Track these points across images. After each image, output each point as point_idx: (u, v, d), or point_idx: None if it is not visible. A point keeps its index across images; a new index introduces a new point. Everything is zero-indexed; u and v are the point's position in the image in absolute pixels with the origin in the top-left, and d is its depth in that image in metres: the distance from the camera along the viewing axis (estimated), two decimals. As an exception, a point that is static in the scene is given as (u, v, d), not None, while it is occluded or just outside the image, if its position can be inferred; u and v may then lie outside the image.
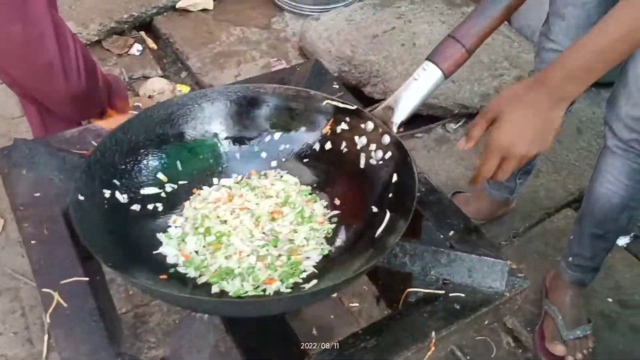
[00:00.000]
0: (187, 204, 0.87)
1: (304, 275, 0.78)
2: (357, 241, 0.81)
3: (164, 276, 0.76)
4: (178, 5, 2.49)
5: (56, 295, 0.73)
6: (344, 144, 0.89)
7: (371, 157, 0.86)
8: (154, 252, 0.80)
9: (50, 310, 0.72)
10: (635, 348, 1.53)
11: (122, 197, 0.81)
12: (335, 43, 2.20)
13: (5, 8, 1.18)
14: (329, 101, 0.89)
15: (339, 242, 0.84)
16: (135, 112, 0.99)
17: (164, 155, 0.87)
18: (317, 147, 0.91)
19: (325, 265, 0.80)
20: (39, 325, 1.51)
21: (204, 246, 0.81)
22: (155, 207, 0.85)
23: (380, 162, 0.85)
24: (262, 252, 0.80)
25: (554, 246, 1.75)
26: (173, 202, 0.87)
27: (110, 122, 0.98)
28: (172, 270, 0.78)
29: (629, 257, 1.75)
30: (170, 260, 0.80)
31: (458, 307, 0.77)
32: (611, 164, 1.31)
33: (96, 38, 2.36)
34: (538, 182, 1.93)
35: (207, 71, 2.25)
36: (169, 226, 0.85)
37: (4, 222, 1.76)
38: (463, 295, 0.78)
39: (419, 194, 0.90)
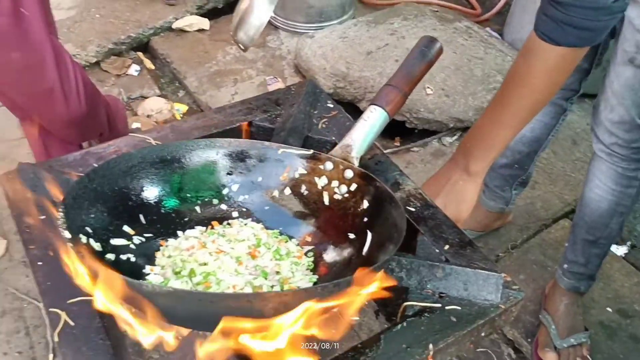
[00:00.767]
0: (158, 254, 0.85)
1: None
2: (346, 265, 0.83)
3: None
4: (174, 26, 2.53)
5: (64, 315, 0.75)
6: (303, 187, 0.92)
7: (335, 193, 0.89)
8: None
9: (58, 330, 0.73)
10: (635, 357, 1.54)
11: (96, 245, 0.78)
12: (329, 60, 2.23)
13: (6, 35, 1.20)
14: (284, 149, 0.93)
15: (324, 270, 0.85)
16: (135, 135, 1.02)
17: (126, 208, 0.85)
18: (276, 193, 0.93)
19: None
20: (43, 344, 1.52)
21: (191, 288, 0.77)
22: (129, 258, 0.82)
23: (346, 195, 0.88)
24: (256, 282, 0.79)
25: (552, 257, 1.77)
26: (144, 253, 0.84)
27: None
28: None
29: (627, 267, 1.77)
30: None
31: (454, 319, 0.79)
32: (598, 169, 1.35)
33: (94, 59, 2.39)
34: (535, 194, 1.96)
35: (204, 90, 2.28)
36: (147, 274, 0.81)
37: (7, 242, 1.78)
38: (459, 308, 0.80)
39: (412, 209, 0.93)
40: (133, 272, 0.80)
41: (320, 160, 0.91)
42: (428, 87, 2.12)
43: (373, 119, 0.93)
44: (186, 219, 0.91)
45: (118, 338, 0.76)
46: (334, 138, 1.03)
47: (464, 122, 2.08)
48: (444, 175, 1.05)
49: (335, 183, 0.90)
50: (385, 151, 2.05)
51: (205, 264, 0.81)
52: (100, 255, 0.78)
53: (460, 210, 1.03)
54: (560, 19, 0.86)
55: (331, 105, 1.11)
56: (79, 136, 1.50)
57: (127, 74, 2.41)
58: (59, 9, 2.56)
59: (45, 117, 1.41)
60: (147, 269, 0.82)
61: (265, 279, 0.80)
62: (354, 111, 2.18)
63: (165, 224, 0.89)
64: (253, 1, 0.96)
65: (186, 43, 2.50)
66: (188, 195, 0.92)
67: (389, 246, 0.76)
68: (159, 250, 0.86)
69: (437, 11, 2.52)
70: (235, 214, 0.93)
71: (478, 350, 1.57)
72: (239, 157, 0.93)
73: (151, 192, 0.89)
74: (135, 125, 2.10)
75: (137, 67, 2.43)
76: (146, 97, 2.30)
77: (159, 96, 2.31)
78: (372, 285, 0.69)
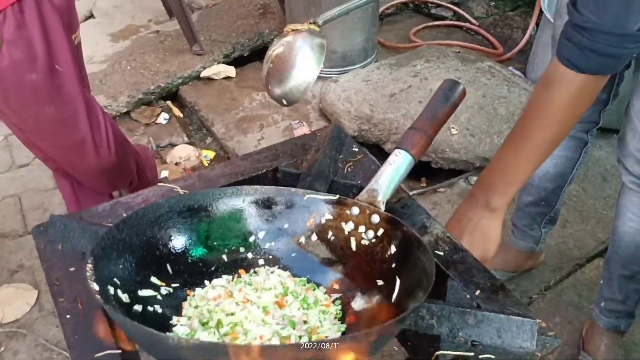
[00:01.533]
0: (185, 304, 0.85)
1: None
2: (375, 312, 0.81)
3: None
4: (202, 75, 2.60)
5: (90, 369, 0.75)
6: (330, 232, 0.91)
7: (362, 239, 0.88)
8: None
9: (84, 385, 0.73)
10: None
11: (123, 297, 0.78)
12: (354, 103, 2.26)
13: (41, 90, 1.25)
14: (309, 195, 0.92)
15: (353, 318, 0.83)
16: (161, 184, 1.04)
17: (154, 259, 0.85)
18: (302, 240, 0.92)
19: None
20: (71, 396, 1.52)
21: (219, 339, 0.77)
22: (155, 310, 0.81)
23: (374, 240, 0.87)
24: (283, 333, 0.78)
25: (588, 297, 1.71)
26: (171, 304, 0.84)
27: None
28: None
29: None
30: None
31: (489, 369, 0.76)
32: (630, 201, 1.31)
33: (125, 109, 2.47)
34: (566, 233, 1.91)
35: (231, 136, 2.32)
36: (174, 325, 0.80)
37: (38, 293, 1.80)
38: (493, 357, 0.77)
39: (441, 252, 0.91)
40: (160, 323, 0.80)
41: (346, 206, 0.91)
42: (453, 127, 2.12)
43: (398, 163, 0.92)
44: (213, 268, 0.90)
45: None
46: (359, 182, 1.03)
47: (489, 161, 2.06)
48: (464, 214, 1.03)
49: (362, 228, 0.89)
50: (411, 192, 2.05)
51: (232, 314, 0.80)
52: (127, 307, 0.78)
53: (487, 249, 1.00)
54: (585, 45, 0.86)
55: (356, 150, 1.11)
56: (109, 186, 1.53)
57: (156, 123, 2.48)
58: (92, 63, 2.67)
59: (77, 168, 1.45)
60: (174, 319, 0.81)
61: (294, 328, 0.79)
62: (379, 153, 2.18)
63: (192, 273, 0.89)
64: (296, 58, 0.97)
65: (213, 91, 2.57)
66: (215, 243, 0.92)
67: (418, 293, 0.74)
68: (185, 300, 0.86)
69: (459, 52, 2.54)
70: (261, 261, 0.92)
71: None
72: (265, 204, 0.93)
73: (178, 242, 0.89)
74: (164, 173, 2.14)
75: (166, 116, 2.50)
76: (175, 145, 2.35)
77: (187, 143, 2.36)
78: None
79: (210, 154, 2.30)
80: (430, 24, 2.94)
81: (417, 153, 0.93)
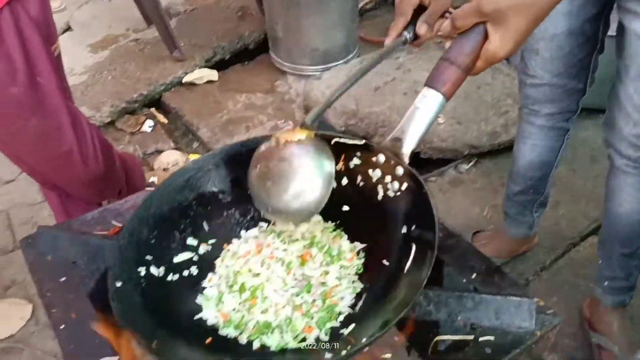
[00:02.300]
0: (218, 261, 0.90)
1: (341, 318, 0.79)
2: (388, 279, 0.81)
3: (208, 339, 0.78)
4: (184, 80, 2.58)
5: (88, 378, 0.74)
6: (359, 177, 0.89)
7: (388, 189, 0.85)
8: (195, 318, 0.82)
9: (83, 395, 0.72)
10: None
11: (157, 271, 0.83)
12: (338, 99, 2.25)
13: (23, 104, 1.24)
14: (337, 139, 0.90)
15: (368, 278, 0.84)
16: (151, 188, 1.03)
17: (189, 220, 0.90)
18: (333, 184, 0.89)
19: (361, 306, 0.80)
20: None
21: (240, 304, 0.83)
22: (190, 273, 0.87)
23: (398, 194, 0.84)
24: (297, 300, 0.81)
25: (584, 275, 1.72)
26: (206, 263, 0.89)
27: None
28: (213, 334, 0.80)
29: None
30: (210, 322, 0.82)
31: (489, 351, 0.76)
32: (624, 182, 1.31)
33: (109, 119, 2.45)
34: (558, 213, 1.92)
35: (217, 139, 2.31)
36: (205, 287, 0.87)
37: (32, 306, 1.78)
38: (492, 338, 0.77)
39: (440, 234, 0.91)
40: (193, 286, 0.86)
41: (372, 152, 0.86)
42: (439, 117, 2.12)
43: (426, 105, 0.80)
44: (249, 217, 0.94)
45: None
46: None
47: (478, 148, 2.07)
48: (533, 12, 0.74)
49: (388, 178, 0.85)
50: (402, 184, 2.05)
51: (257, 275, 0.85)
52: (161, 280, 0.83)
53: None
54: None
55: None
56: (99, 195, 1.52)
57: (141, 131, 2.46)
58: (73, 75, 2.65)
59: (64, 180, 1.43)
60: (206, 281, 0.87)
61: (309, 292, 0.82)
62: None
63: (228, 226, 0.93)
64: (306, 179, 0.85)
65: (197, 95, 2.55)
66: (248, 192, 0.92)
67: (423, 272, 0.73)
68: (219, 257, 0.90)
69: (440, 42, 2.55)
70: None
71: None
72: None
73: (212, 196, 0.92)
74: (152, 179, 2.13)
75: (151, 123, 2.48)
76: (161, 151, 2.33)
77: (173, 149, 2.35)
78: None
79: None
80: (410, 16, 2.93)
81: (448, 91, 0.80)
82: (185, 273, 0.87)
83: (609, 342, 1.48)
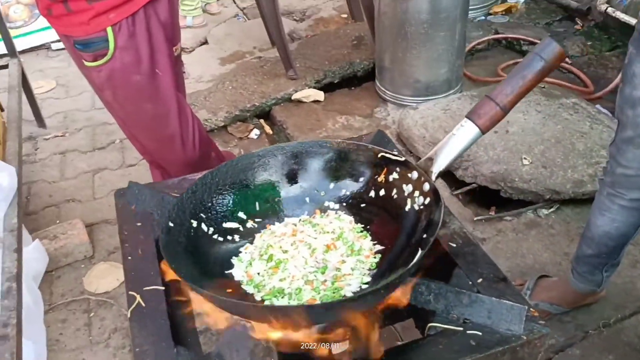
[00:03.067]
0: (258, 235, 1.03)
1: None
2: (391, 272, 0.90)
3: (229, 290, 0.92)
4: (294, 97, 2.82)
5: (138, 297, 0.92)
6: (394, 190, 1.01)
7: (415, 202, 0.96)
8: (226, 272, 0.97)
9: (132, 308, 0.90)
10: None
11: (206, 228, 0.99)
12: (429, 129, 2.35)
13: (143, 90, 1.50)
14: (383, 154, 1.03)
15: (378, 274, 0.93)
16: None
17: (244, 197, 1.05)
18: (372, 194, 1.05)
19: (360, 293, 0.90)
20: None
21: (264, 270, 0.96)
22: (233, 239, 1.02)
23: (421, 207, 0.94)
24: (310, 277, 0.93)
25: (649, 339, 1.64)
26: (248, 234, 1.03)
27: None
28: (235, 287, 0.94)
29: None
30: (237, 278, 0.96)
31: (474, 343, 0.82)
32: None
33: (222, 124, 2.74)
34: (635, 273, 1.84)
35: (312, 153, 2.49)
36: (240, 252, 1.00)
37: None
38: (480, 333, 0.84)
39: (454, 245, 0.99)
40: (231, 249, 1.00)
41: (409, 169, 0.98)
42: (525, 158, 2.13)
43: (462, 134, 0.91)
44: (295, 208, 1.08)
45: (178, 321, 0.90)
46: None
47: (560, 194, 2.05)
48: None
49: (417, 193, 0.96)
50: (476, 218, 2.09)
51: (286, 252, 0.98)
52: (208, 236, 0.99)
53: None
54: None
55: (396, 152, 1.22)
56: (193, 178, 1.75)
57: (248, 137, 2.72)
58: (200, 82, 3.00)
59: (166, 159, 1.68)
60: (245, 246, 1.01)
61: (323, 273, 0.93)
62: (452, 180, 2.24)
63: (276, 211, 1.08)
64: None
65: (302, 112, 2.77)
66: (301, 187, 1.08)
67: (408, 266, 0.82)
68: (260, 232, 1.04)
69: (544, 87, 2.55)
70: (336, 205, 1.08)
71: None
72: (344, 158, 1.07)
73: (268, 182, 1.07)
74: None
75: (257, 132, 2.74)
76: (261, 157, 2.56)
77: (272, 157, 2.57)
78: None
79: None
80: (520, 60, 2.95)
81: (484, 124, 0.89)
82: (229, 237, 1.02)
83: None
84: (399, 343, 0.86)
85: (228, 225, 1.03)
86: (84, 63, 1.46)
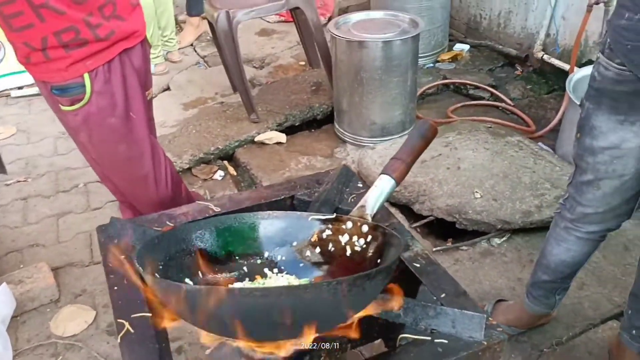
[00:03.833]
0: None
1: None
2: None
3: None
4: (256, 139, 2.92)
5: (127, 324, 0.97)
6: (330, 244, 1.10)
7: (355, 245, 1.07)
8: None
9: (121, 335, 0.95)
10: None
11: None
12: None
13: (117, 132, 1.57)
14: (313, 217, 1.13)
15: None
16: (199, 202, 1.28)
17: (186, 265, 1.04)
18: (308, 253, 1.12)
19: None
20: (112, 400, 1.72)
21: None
22: None
23: (364, 246, 1.05)
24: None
25: (598, 355, 1.77)
26: None
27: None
28: None
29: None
30: None
31: (441, 350, 0.91)
32: None
33: (187, 166, 2.81)
34: (582, 294, 1.99)
35: (276, 192, 2.58)
36: None
37: (96, 313, 2.05)
38: (446, 341, 0.93)
39: (418, 265, 1.09)
40: None
41: (342, 221, 1.10)
42: (477, 192, 2.28)
43: (382, 185, 1.11)
44: (234, 273, 1.11)
45: (165, 345, 0.96)
46: (360, 210, 1.23)
47: (510, 224, 2.20)
48: None
49: (355, 238, 1.07)
50: (435, 249, 2.21)
51: None
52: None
53: None
54: None
55: (360, 185, 1.33)
56: (164, 217, 1.80)
57: (212, 179, 2.79)
58: (164, 127, 3.07)
59: (139, 200, 1.74)
60: None
61: None
62: (410, 213, 2.37)
63: (218, 278, 1.09)
64: None
65: (265, 153, 2.87)
66: (236, 257, 1.12)
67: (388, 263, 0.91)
68: None
69: (490, 127, 2.75)
70: (275, 270, 1.13)
71: None
72: (277, 225, 1.14)
73: (206, 252, 1.09)
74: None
75: (222, 173, 2.81)
76: (226, 198, 2.63)
77: (237, 197, 2.64)
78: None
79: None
80: (468, 103, 3.17)
81: (397, 177, 1.12)
82: None
83: None
84: (375, 354, 0.94)
85: None
86: (60, 107, 1.52)
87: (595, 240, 1.57)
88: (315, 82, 3.32)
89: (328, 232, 1.12)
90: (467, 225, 2.25)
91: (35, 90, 3.39)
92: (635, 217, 2.27)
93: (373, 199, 1.11)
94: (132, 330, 0.96)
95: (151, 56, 3.56)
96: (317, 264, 1.12)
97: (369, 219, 1.09)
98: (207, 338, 0.90)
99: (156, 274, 0.97)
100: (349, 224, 1.10)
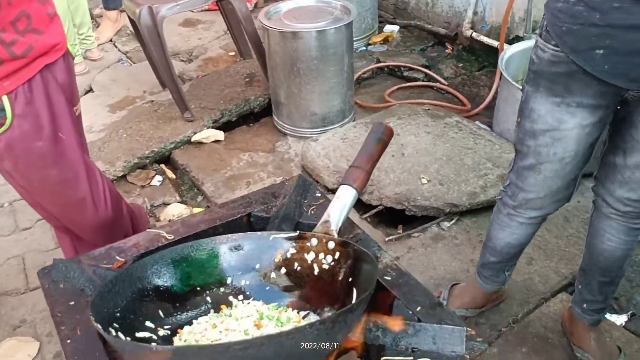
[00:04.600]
0: (176, 339, 0.98)
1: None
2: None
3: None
4: (193, 139, 2.80)
5: (88, 384, 0.88)
6: (295, 264, 1.06)
7: (323, 263, 1.04)
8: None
9: (82, 396, 0.87)
10: None
11: (123, 337, 0.89)
12: (332, 159, 2.45)
13: (46, 157, 1.43)
14: (274, 236, 1.08)
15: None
16: (149, 230, 1.20)
17: (145, 306, 0.98)
18: (273, 275, 1.07)
19: None
20: None
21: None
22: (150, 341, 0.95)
23: (332, 263, 1.02)
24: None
25: (552, 329, 1.84)
26: (165, 342, 0.97)
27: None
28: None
29: (627, 334, 1.81)
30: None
31: (425, 369, 0.90)
32: (609, 226, 1.50)
33: (121, 173, 2.65)
34: (532, 270, 2.05)
35: (220, 194, 2.49)
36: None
37: (40, 344, 1.91)
38: (429, 359, 0.91)
39: (389, 277, 1.07)
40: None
41: (306, 239, 1.06)
42: (423, 177, 2.30)
43: (344, 197, 1.08)
44: (199, 308, 1.05)
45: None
46: (321, 223, 1.19)
47: (458, 206, 2.23)
48: None
49: (321, 255, 1.04)
50: (387, 238, 2.21)
51: (217, 340, 0.94)
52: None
53: None
54: None
55: (319, 195, 1.28)
56: (106, 240, 1.66)
57: (150, 185, 2.65)
58: (91, 132, 2.88)
59: (77, 224, 1.61)
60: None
61: None
62: (360, 204, 2.35)
63: (182, 314, 1.03)
64: None
65: (203, 153, 2.76)
66: (198, 288, 1.06)
67: (368, 292, 0.88)
68: (176, 336, 0.99)
69: (428, 109, 2.77)
70: (240, 297, 1.07)
71: None
72: (237, 249, 1.08)
73: (165, 290, 1.02)
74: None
75: (160, 178, 2.68)
76: (168, 204, 2.52)
77: (179, 202, 2.53)
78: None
79: (201, 212, 2.46)
80: (404, 85, 3.18)
81: (359, 186, 1.09)
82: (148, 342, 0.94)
83: (590, 357, 1.66)
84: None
85: (141, 334, 0.95)
86: (-22, 135, 1.37)
87: (537, 224, 1.61)
88: (249, 74, 3.22)
89: (292, 250, 1.08)
90: (417, 212, 2.26)
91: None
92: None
93: (337, 213, 1.08)
94: (95, 389, 0.88)
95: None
96: (285, 288, 1.07)
97: (335, 234, 1.05)
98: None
99: (115, 326, 0.90)
100: (314, 241, 1.06)
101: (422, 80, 3.22)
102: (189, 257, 1.06)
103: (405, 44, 3.55)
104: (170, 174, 2.73)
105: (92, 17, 3.84)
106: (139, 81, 3.34)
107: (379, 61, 3.36)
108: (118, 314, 0.94)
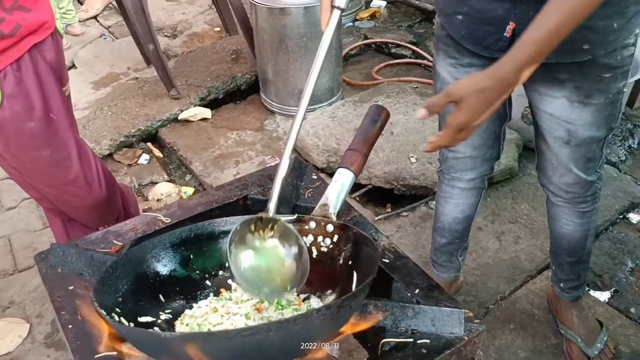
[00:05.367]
0: (177, 323, 0.98)
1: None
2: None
3: None
4: (180, 117, 2.77)
5: (92, 369, 0.89)
6: None
7: (322, 246, 1.04)
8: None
9: (87, 381, 0.87)
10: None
11: (126, 323, 0.90)
12: (321, 138, 2.45)
13: (38, 137, 1.41)
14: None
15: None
16: (148, 214, 1.19)
17: (147, 291, 0.98)
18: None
19: None
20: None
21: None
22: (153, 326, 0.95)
23: (331, 246, 1.03)
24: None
25: (539, 305, 1.88)
26: (167, 326, 0.97)
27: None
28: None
29: (610, 310, 1.87)
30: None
31: (425, 351, 0.92)
32: (561, 212, 1.54)
33: (108, 152, 2.62)
34: (518, 248, 2.09)
35: (208, 172, 2.48)
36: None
37: (30, 326, 1.91)
38: (428, 341, 0.93)
39: (387, 260, 1.08)
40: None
41: (305, 222, 1.06)
42: (412, 156, 2.31)
43: (342, 180, 1.08)
44: (199, 292, 1.05)
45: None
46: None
47: (447, 186, 2.25)
48: (486, 93, 0.99)
49: (320, 238, 1.04)
50: (377, 217, 2.23)
51: (219, 324, 0.95)
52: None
53: (486, 117, 1.00)
54: None
55: (315, 177, 1.28)
56: (99, 220, 1.67)
57: (137, 163, 2.63)
58: (76, 110, 2.81)
59: (70, 205, 1.59)
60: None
61: None
62: (347, 183, 2.36)
63: (183, 299, 1.03)
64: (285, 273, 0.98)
65: (191, 132, 2.74)
66: (197, 271, 1.06)
67: (369, 278, 0.89)
68: (177, 320, 0.99)
69: (416, 87, 2.77)
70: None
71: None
72: (239, 231, 1.08)
73: (166, 274, 1.02)
74: (147, 208, 2.28)
75: (147, 156, 2.65)
76: (156, 183, 2.50)
77: (167, 181, 2.52)
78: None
79: (190, 190, 2.45)
80: (391, 62, 3.17)
81: (356, 169, 1.09)
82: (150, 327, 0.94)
83: (574, 334, 1.72)
84: (360, 364, 0.93)
85: (143, 319, 0.94)
86: (-33, 116, 1.34)
87: (477, 188, 1.63)
88: (235, 50, 3.17)
89: None
90: (406, 191, 2.28)
91: None
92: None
93: (334, 196, 1.07)
94: (99, 374, 0.89)
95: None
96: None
97: (334, 217, 1.05)
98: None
99: (117, 311, 0.90)
100: (312, 224, 1.06)
101: (410, 57, 3.21)
102: (188, 240, 1.06)
103: (393, 19, 3.52)
104: (157, 152, 2.70)
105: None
106: (123, 57, 3.28)
107: (366, 37, 3.33)
108: (120, 299, 0.94)
